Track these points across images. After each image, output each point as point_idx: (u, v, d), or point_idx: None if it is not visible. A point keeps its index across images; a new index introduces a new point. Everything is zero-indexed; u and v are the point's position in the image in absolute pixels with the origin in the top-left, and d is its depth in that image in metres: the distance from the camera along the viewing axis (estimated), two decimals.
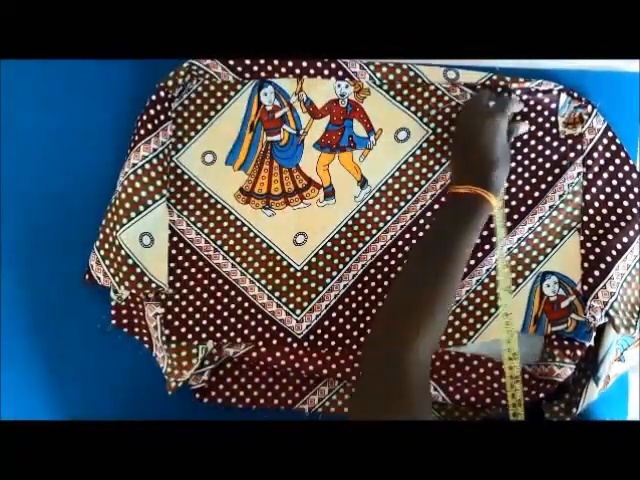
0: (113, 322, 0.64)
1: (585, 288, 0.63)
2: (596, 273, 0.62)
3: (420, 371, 0.50)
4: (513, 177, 0.65)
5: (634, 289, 0.63)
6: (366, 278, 0.65)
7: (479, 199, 0.57)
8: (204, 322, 0.64)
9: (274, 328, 0.64)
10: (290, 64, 0.65)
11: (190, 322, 0.64)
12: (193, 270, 0.65)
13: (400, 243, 0.65)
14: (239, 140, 0.66)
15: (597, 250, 0.63)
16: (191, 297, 0.64)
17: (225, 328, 0.64)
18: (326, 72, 0.65)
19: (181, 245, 0.65)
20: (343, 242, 0.65)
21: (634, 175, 0.64)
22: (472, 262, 0.65)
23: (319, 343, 0.64)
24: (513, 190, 0.65)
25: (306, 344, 0.64)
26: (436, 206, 0.65)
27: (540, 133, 0.65)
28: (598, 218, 0.64)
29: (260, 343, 0.64)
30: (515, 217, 0.65)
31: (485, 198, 0.57)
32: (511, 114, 0.63)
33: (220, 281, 0.65)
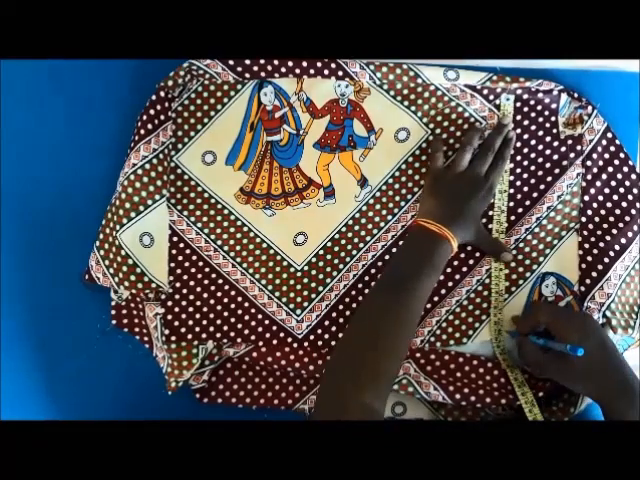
0: (113, 322, 0.64)
1: (582, 289, 0.63)
2: (593, 274, 0.62)
3: (368, 415, 0.51)
4: (512, 178, 0.65)
5: (632, 290, 0.63)
6: (367, 278, 0.65)
7: (446, 241, 0.58)
8: (204, 322, 0.64)
9: (274, 328, 0.64)
10: (290, 64, 0.65)
11: (190, 322, 0.64)
12: (193, 270, 0.64)
13: (401, 243, 0.65)
14: (239, 140, 0.66)
15: (595, 251, 0.63)
16: (191, 297, 0.64)
17: (225, 328, 0.64)
18: (326, 72, 0.65)
19: (181, 245, 0.65)
20: (343, 242, 0.65)
21: (633, 176, 0.64)
22: (471, 262, 0.65)
23: (319, 343, 0.64)
24: (511, 191, 0.65)
25: (306, 344, 0.64)
26: None
27: (540, 133, 0.65)
28: (596, 219, 0.64)
29: (260, 343, 0.64)
30: (512, 218, 0.65)
31: (451, 242, 0.59)
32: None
33: (220, 281, 0.65)
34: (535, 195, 0.65)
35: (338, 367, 0.54)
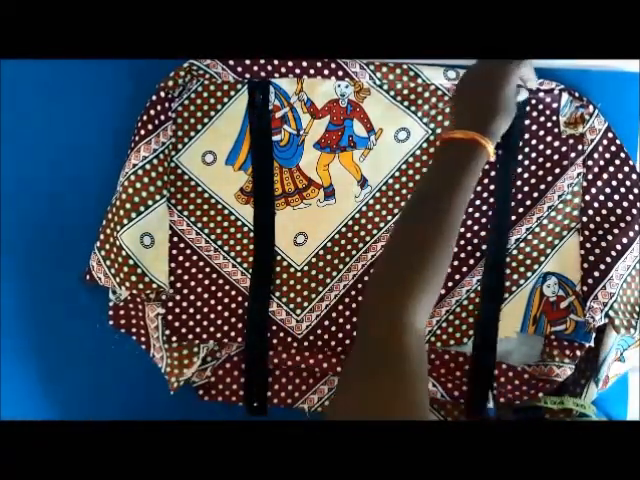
0: (111, 322, 0.64)
1: (584, 289, 0.63)
2: (595, 274, 0.62)
3: (415, 336, 0.46)
4: (512, 177, 0.65)
5: (634, 289, 0.63)
6: (366, 278, 0.65)
7: (476, 145, 0.53)
8: (205, 322, 0.64)
9: (274, 328, 0.64)
10: (290, 64, 0.65)
11: (191, 322, 0.64)
12: (194, 270, 0.65)
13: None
14: (239, 140, 0.66)
15: (597, 251, 0.63)
16: (192, 297, 0.64)
17: (226, 328, 0.64)
18: (326, 72, 0.65)
19: (181, 245, 0.65)
20: (343, 242, 0.65)
21: (634, 176, 0.64)
22: (471, 262, 0.65)
23: (319, 343, 0.64)
24: (512, 191, 0.65)
25: (306, 344, 0.64)
26: None
27: (541, 132, 0.65)
28: (598, 219, 0.64)
29: None
30: (513, 218, 0.65)
31: (482, 144, 0.53)
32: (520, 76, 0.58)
33: (221, 281, 0.65)
34: (536, 195, 0.65)
35: (378, 286, 0.50)
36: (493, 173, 0.65)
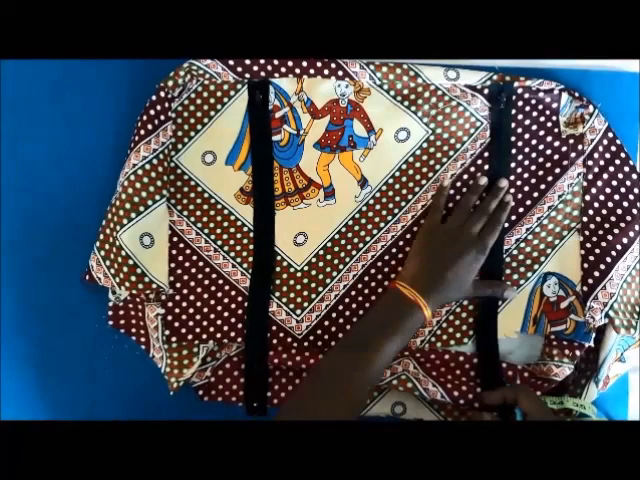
0: (110, 322, 0.64)
1: (585, 289, 0.63)
2: (596, 274, 0.62)
3: None
4: (512, 178, 0.65)
5: (634, 290, 0.63)
6: (366, 278, 0.65)
7: (418, 309, 0.58)
8: (204, 323, 0.64)
9: (274, 328, 0.64)
10: (290, 64, 0.65)
11: (191, 323, 0.64)
12: (193, 270, 0.65)
13: (401, 243, 0.65)
14: (239, 140, 0.66)
15: (597, 251, 0.63)
16: (192, 297, 0.64)
17: (225, 328, 0.64)
18: (326, 72, 0.65)
19: (181, 245, 0.65)
20: (343, 242, 0.65)
21: (634, 176, 0.64)
22: None
23: (319, 343, 0.64)
24: (512, 191, 0.65)
25: (306, 344, 0.64)
26: None
27: (541, 132, 0.65)
28: (598, 219, 0.64)
29: None
30: (513, 218, 0.65)
31: (422, 308, 0.58)
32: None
33: (220, 281, 0.65)
34: (536, 195, 0.65)
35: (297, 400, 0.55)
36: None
